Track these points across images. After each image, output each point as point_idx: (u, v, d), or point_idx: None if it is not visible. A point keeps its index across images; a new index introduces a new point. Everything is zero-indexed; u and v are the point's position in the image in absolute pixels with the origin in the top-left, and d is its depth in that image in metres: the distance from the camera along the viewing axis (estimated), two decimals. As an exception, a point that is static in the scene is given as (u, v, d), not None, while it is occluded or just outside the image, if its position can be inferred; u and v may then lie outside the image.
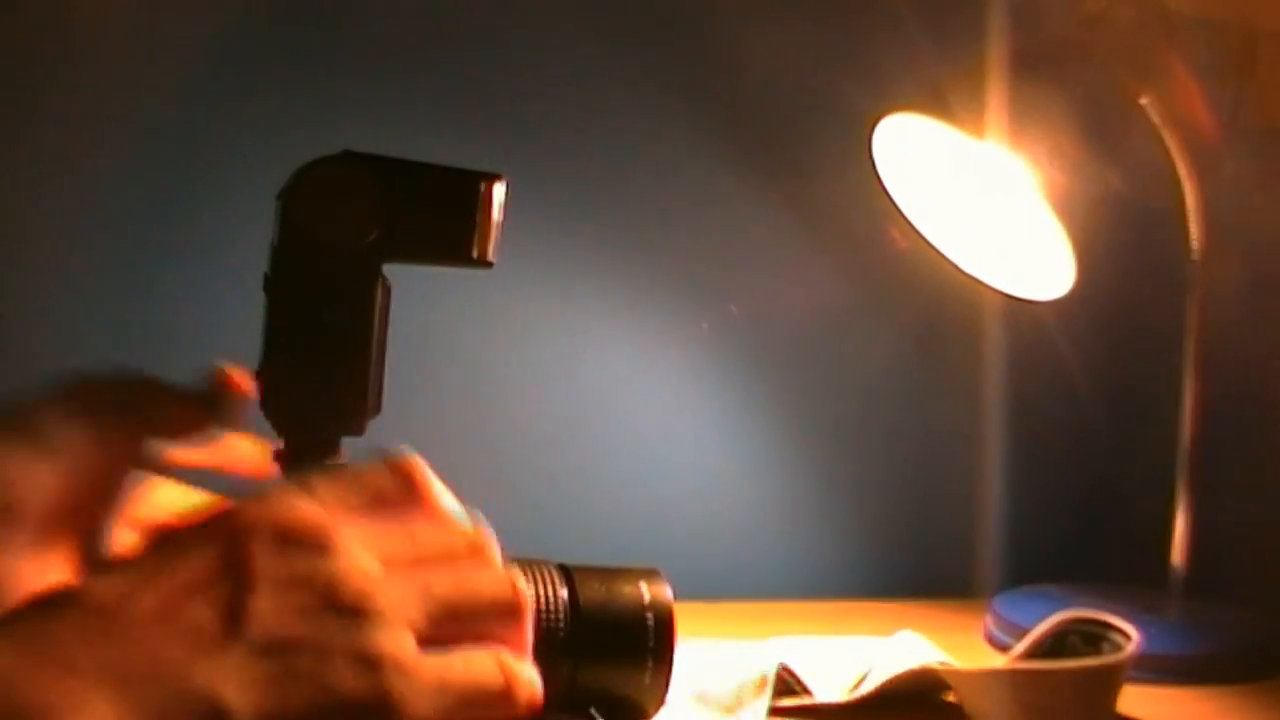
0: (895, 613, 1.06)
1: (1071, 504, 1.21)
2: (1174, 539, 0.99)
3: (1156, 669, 0.90)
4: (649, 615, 0.57)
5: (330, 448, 0.52)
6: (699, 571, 1.00)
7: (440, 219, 0.52)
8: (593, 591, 0.56)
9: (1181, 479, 0.98)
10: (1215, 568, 1.00)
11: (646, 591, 0.57)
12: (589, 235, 1.10)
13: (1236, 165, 1.03)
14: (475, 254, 0.52)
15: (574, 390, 1.09)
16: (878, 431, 1.17)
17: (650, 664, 0.56)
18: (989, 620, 1.02)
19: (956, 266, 0.98)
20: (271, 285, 0.51)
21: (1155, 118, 0.93)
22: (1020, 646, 0.82)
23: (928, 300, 1.12)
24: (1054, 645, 0.81)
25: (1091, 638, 0.80)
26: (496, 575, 0.44)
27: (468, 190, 0.52)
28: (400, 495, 0.44)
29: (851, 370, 1.16)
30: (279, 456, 0.52)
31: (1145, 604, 0.99)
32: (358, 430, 0.52)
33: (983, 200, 0.96)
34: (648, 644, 0.56)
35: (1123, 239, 1.05)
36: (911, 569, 1.15)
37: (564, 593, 0.55)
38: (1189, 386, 0.98)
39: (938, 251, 0.98)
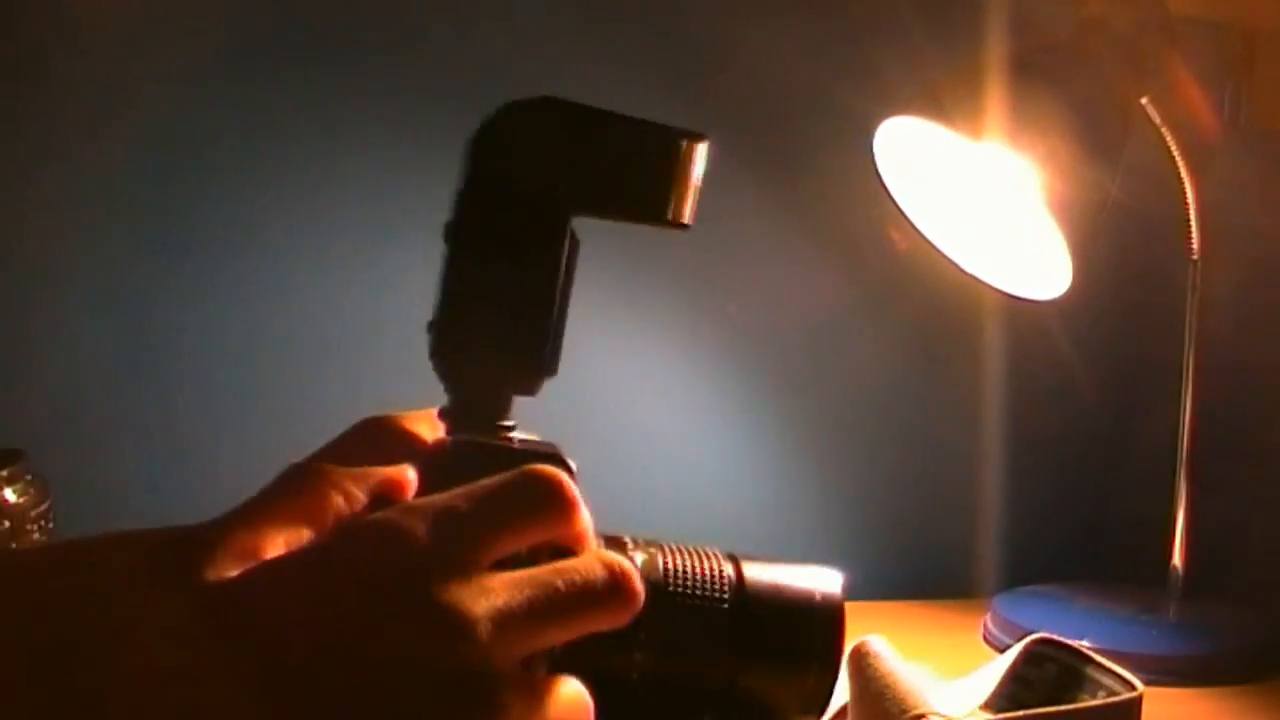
0: (895, 613, 1.06)
1: (1071, 504, 1.21)
2: (1173, 539, 0.99)
3: (1156, 669, 0.91)
4: (819, 606, 0.52)
5: (501, 407, 0.49)
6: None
7: (636, 172, 0.50)
8: (760, 572, 0.52)
9: (1181, 479, 0.99)
10: (1215, 568, 1.00)
11: (817, 585, 0.53)
12: (588, 236, 1.10)
13: (1236, 166, 1.03)
14: (670, 214, 0.50)
15: (573, 390, 1.09)
16: (877, 431, 1.17)
17: (816, 662, 0.52)
18: (988, 620, 1.02)
19: (956, 266, 0.98)
20: (454, 232, 0.48)
21: (1154, 118, 0.93)
22: (994, 681, 0.80)
23: (928, 300, 1.12)
24: (1020, 674, 0.79)
25: (1071, 671, 0.78)
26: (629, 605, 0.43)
27: (668, 146, 0.50)
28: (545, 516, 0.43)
29: (851, 370, 1.16)
30: (444, 414, 0.49)
31: (1145, 604, 0.99)
32: (531, 390, 0.49)
33: (982, 201, 0.96)
34: (815, 638, 0.52)
35: (1122, 239, 1.05)
36: (911, 569, 1.15)
37: (729, 569, 0.51)
38: (1188, 387, 0.98)
39: (938, 251, 0.98)
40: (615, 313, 1.11)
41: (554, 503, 0.43)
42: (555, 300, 0.49)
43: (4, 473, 0.79)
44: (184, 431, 0.99)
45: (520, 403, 0.52)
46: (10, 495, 0.79)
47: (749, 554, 0.53)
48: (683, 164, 0.50)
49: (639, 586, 0.43)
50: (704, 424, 1.13)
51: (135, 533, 0.40)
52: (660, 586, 0.48)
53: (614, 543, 0.48)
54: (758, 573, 0.52)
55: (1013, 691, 0.78)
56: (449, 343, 0.48)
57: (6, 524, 0.78)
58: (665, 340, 1.11)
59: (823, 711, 0.52)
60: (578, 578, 0.42)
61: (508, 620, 0.39)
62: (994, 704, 0.78)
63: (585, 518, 0.44)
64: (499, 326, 0.49)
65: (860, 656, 0.76)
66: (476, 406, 0.49)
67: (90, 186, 0.99)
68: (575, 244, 0.50)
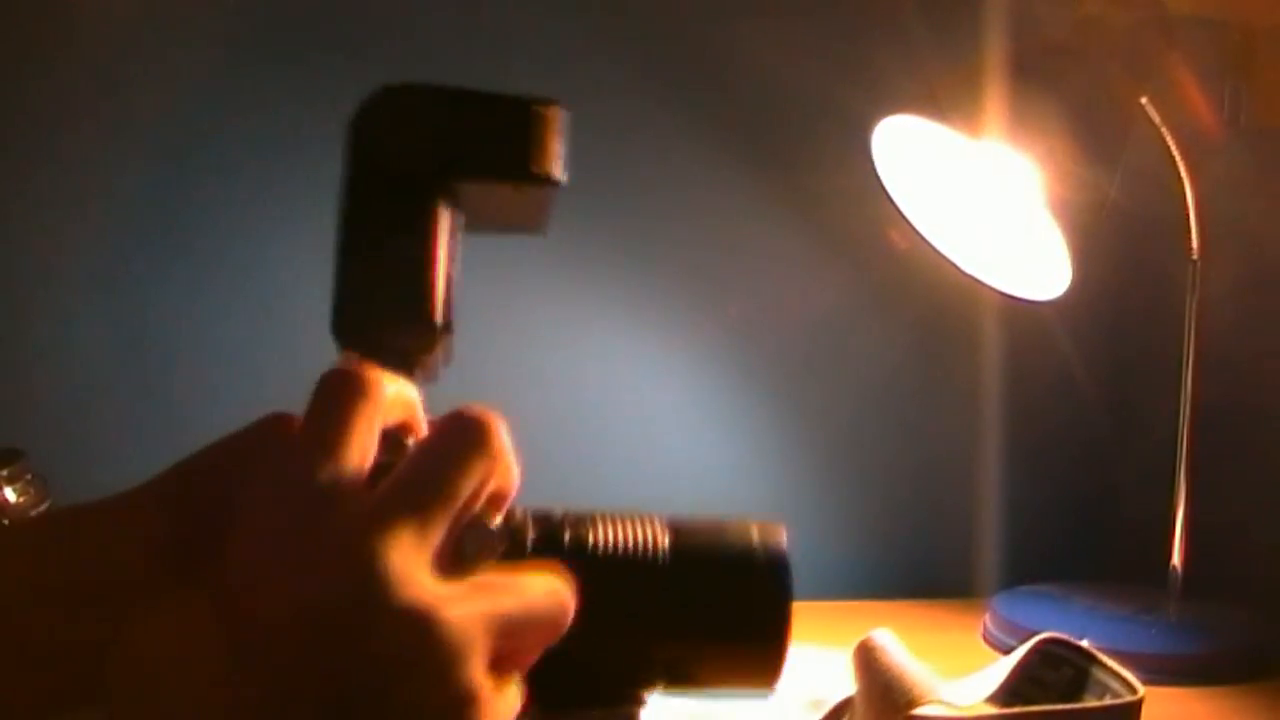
0: (895, 612, 1.06)
1: (1071, 504, 1.21)
2: (1173, 539, 0.99)
3: (1156, 669, 0.91)
4: (760, 558, 0.52)
5: (405, 367, 0.51)
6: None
7: (498, 137, 0.53)
8: (698, 531, 0.52)
9: (1180, 479, 0.99)
10: (1215, 568, 1.00)
11: (760, 538, 0.53)
12: (589, 236, 1.10)
13: (1235, 165, 1.03)
14: (536, 169, 0.53)
15: (574, 390, 1.09)
16: (877, 431, 1.17)
17: (763, 618, 0.51)
18: (988, 620, 1.02)
19: (956, 266, 0.98)
20: (341, 213, 0.52)
21: (1154, 118, 0.93)
22: (1000, 676, 0.80)
23: (928, 300, 1.12)
24: (1035, 674, 0.79)
25: (1080, 673, 0.78)
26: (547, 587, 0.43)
27: (523, 110, 0.54)
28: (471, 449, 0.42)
29: (851, 370, 1.16)
30: None
31: (1144, 604, 0.99)
32: (428, 346, 0.52)
33: (982, 200, 0.96)
34: (759, 591, 0.51)
35: (1122, 240, 1.05)
36: (911, 569, 1.15)
37: (664, 533, 0.52)
38: (1188, 387, 0.98)
39: (938, 251, 0.98)
40: (615, 313, 1.11)
41: (487, 443, 0.43)
42: (437, 259, 0.52)
43: (4, 473, 0.79)
44: (184, 431, 0.99)
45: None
46: (10, 495, 0.79)
47: (689, 516, 0.53)
48: (539, 123, 0.53)
49: (570, 606, 0.43)
50: (704, 424, 1.13)
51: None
52: (592, 559, 0.48)
53: (542, 517, 0.49)
54: (695, 531, 0.52)
55: (1025, 691, 0.78)
56: (344, 314, 0.51)
57: (6, 524, 0.78)
58: (665, 340, 1.11)
59: (777, 674, 0.51)
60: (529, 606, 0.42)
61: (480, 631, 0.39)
62: (1000, 698, 0.78)
63: (511, 458, 0.44)
64: (385, 289, 0.51)
65: (867, 651, 0.76)
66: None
67: (90, 187, 0.99)
68: (456, 214, 0.53)
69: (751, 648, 0.51)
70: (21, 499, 0.79)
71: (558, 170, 0.54)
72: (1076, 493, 1.21)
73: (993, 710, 0.77)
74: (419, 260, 0.52)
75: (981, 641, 1.00)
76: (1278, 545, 1.03)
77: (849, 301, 1.15)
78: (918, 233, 0.99)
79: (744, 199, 1.12)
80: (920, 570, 1.15)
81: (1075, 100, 0.88)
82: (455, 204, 0.53)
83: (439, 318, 0.52)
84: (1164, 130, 0.93)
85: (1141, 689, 0.74)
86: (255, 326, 1.02)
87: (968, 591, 1.10)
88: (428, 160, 0.52)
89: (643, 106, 1.10)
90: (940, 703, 0.72)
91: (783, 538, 0.54)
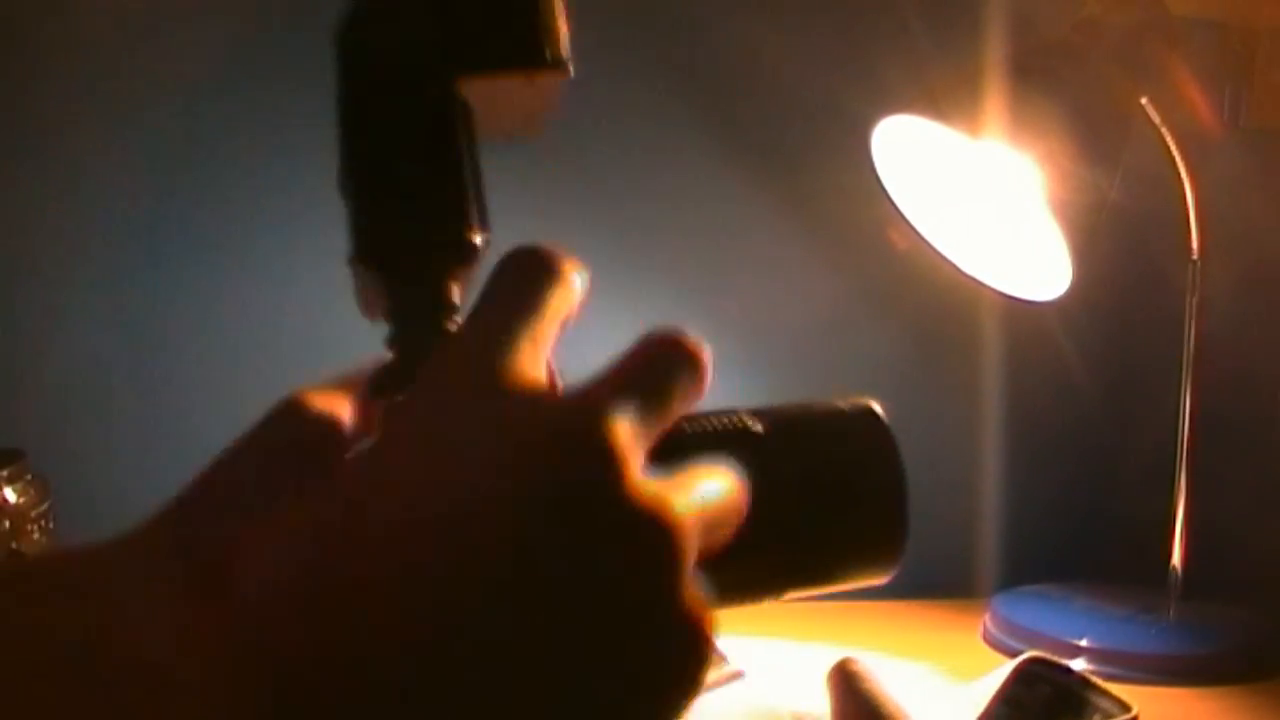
0: (895, 613, 1.06)
1: (1071, 504, 1.21)
2: (1173, 539, 0.99)
3: (1156, 669, 0.91)
4: (851, 410, 0.50)
5: (444, 293, 0.48)
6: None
7: (503, 23, 0.49)
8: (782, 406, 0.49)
9: (1180, 479, 0.99)
10: (1215, 568, 1.00)
11: (846, 401, 0.51)
12: (589, 236, 1.10)
13: (1235, 166, 1.03)
14: (548, 55, 0.49)
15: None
16: (877, 431, 1.17)
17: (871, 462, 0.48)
18: (988, 620, 1.02)
19: (956, 266, 0.98)
20: (343, 134, 0.47)
21: (1154, 118, 0.93)
22: (983, 701, 0.78)
23: (928, 300, 1.12)
24: (1012, 696, 0.78)
25: (1065, 693, 0.77)
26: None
27: None
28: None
29: (851, 370, 1.16)
30: (386, 347, 0.48)
31: (1145, 604, 0.99)
32: (470, 256, 0.47)
33: (982, 200, 0.96)
34: (856, 442, 0.48)
35: (1122, 240, 1.05)
36: (910, 569, 1.15)
37: (746, 413, 0.49)
38: (1187, 386, 0.98)
39: (938, 251, 0.98)
40: (615, 312, 1.11)
41: (696, 365, 0.40)
42: (462, 156, 0.48)
43: (4, 473, 0.79)
44: (184, 431, 0.99)
45: None
46: (10, 495, 0.79)
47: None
48: (544, 7, 0.50)
49: (744, 502, 0.39)
50: (704, 424, 1.13)
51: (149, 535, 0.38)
52: (679, 434, 0.43)
53: None
54: (782, 410, 0.50)
55: (1004, 713, 0.78)
56: (369, 242, 0.47)
57: (6, 524, 0.78)
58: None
59: (902, 531, 0.48)
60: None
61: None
62: None
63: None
64: (413, 203, 0.48)
65: (845, 676, 0.75)
66: (419, 296, 0.48)
67: (91, 188, 0.99)
68: (467, 110, 0.48)
69: (866, 504, 0.48)
70: (21, 499, 0.79)
71: (567, 55, 0.50)
72: (1076, 493, 1.21)
73: None
74: (446, 169, 0.47)
75: (981, 641, 1.00)
76: (1278, 545, 1.03)
77: (849, 301, 1.15)
78: (918, 233, 0.99)
79: (744, 199, 1.12)
80: (920, 570, 1.15)
81: (1075, 101, 0.88)
82: (466, 105, 0.48)
83: (477, 235, 0.47)
84: (1164, 130, 0.93)
85: (1135, 707, 0.74)
86: (256, 326, 1.02)
87: (968, 591, 1.10)
88: (432, 59, 0.48)
89: (643, 106, 1.10)
90: None
91: (872, 403, 0.51)
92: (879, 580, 0.49)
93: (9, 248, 0.98)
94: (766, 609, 0.47)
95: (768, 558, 0.45)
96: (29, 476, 0.81)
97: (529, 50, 0.49)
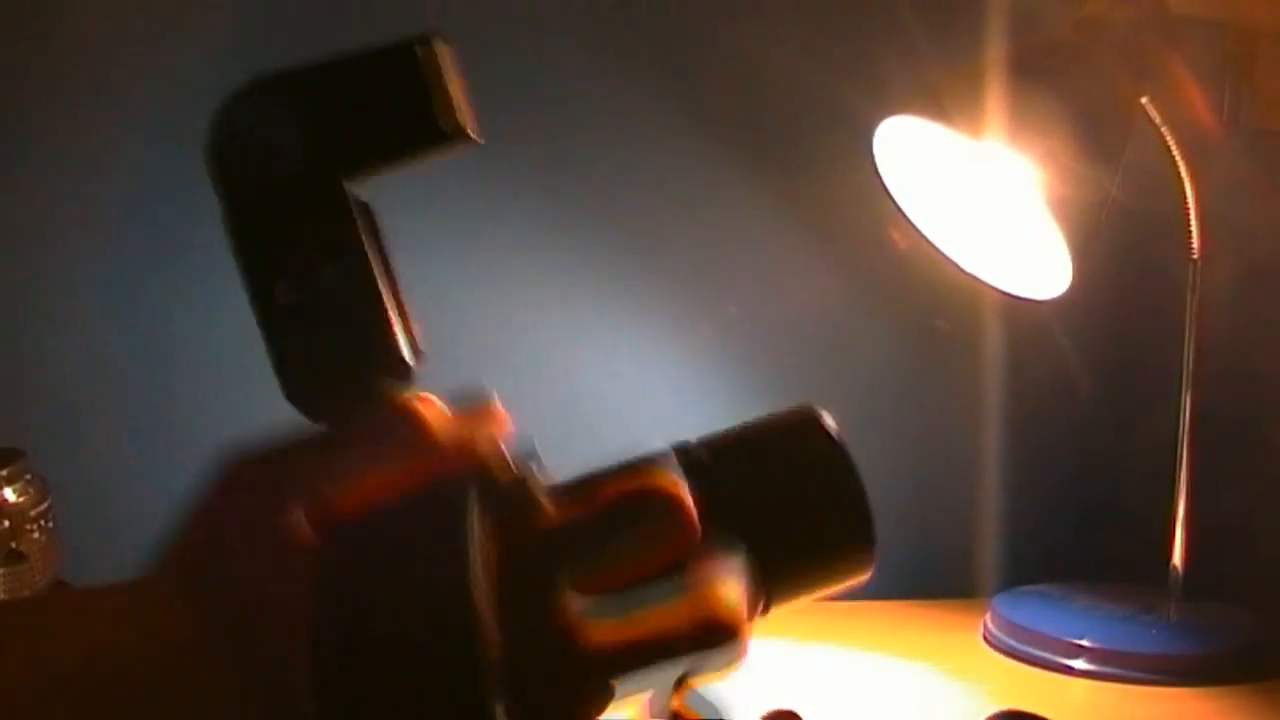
0: (895, 612, 1.06)
1: (1071, 504, 1.21)
2: (1173, 539, 0.99)
3: (1156, 669, 0.91)
4: (791, 415, 0.48)
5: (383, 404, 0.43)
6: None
7: (381, 104, 0.42)
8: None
9: (1180, 479, 0.99)
10: (1215, 568, 1.00)
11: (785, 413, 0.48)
12: (589, 236, 1.10)
13: (1236, 166, 1.03)
14: (444, 128, 0.42)
15: (574, 390, 1.09)
16: (877, 431, 1.17)
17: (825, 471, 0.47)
18: (988, 620, 1.02)
19: (956, 266, 0.98)
20: (239, 256, 0.43)
21: (1154, 118, 0.93)
22: None
23: (928, 300, 1.12)
24: None
25: None
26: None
27: (400, 62, 0.43)
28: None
29: (851, 370, 1.16)
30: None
31: (1145, 604, 0.99)
32: (404, 375, 0.42)
33: (982, 200, 0.96)
34: (819, 453, 0.47)
35: (1122, 239, 1.05)
36: (911, 569, 1.15)
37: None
38: (1188, 386, 0.98)
39: (938, 251, 0.98)
40: (614, 312, 1.11)
41: (677, 525, 0.40)
42: (375, 282, 0.42)
43: (4, 472, 0.79)
44: (184, 431, 0.99)
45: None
46: (10, 495, 0.79)
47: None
48: (430, 72, 0.43)
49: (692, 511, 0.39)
50: (703, 424, 1.13)
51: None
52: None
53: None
54: (723, 431, 0.48)
55: None
56: (292, 372, 0.42)
57: (6, 523, 0.78)
58: (665, 340, 1.11)
59: (867, 529, 0.47)
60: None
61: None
62: None
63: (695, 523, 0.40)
64: (336, 339, 0.42)
65: None
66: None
67: (91, 187, 0.99)
68: (367, 211, 0.43)
69: (825, 513, 0.47)
70: (21, 499, 0.79)
71: (470, 123, 0.43)
72: (1076, 493, 1.21)
73: None
74: (361, 289, 0.42)
75: (981, 641, 1.00)
76: (1278, 545, 1.03)
77: (849, 301, 1.15)
78: (918, 232, 0.99)
79: (744, 198, 1.12)
80: (920, 570, 1.15)
81: (1076, 100, 0.88)
82: (363, 204, 0.42)
83: (407, 355, 0.42)
84: (1164, 130, 0.93)
85: None
86: (256, 327, 1.01)
87: (968, 591, 1.10)
88: (316, 160, 0.42)
89: (643, 106, 1.10)
90: None
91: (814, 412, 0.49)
92: (859, 579, 0.48)
93: (9, 248, 0.98)
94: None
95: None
96: (29, 476, 0.81)
97: (424, 129, 0.42)
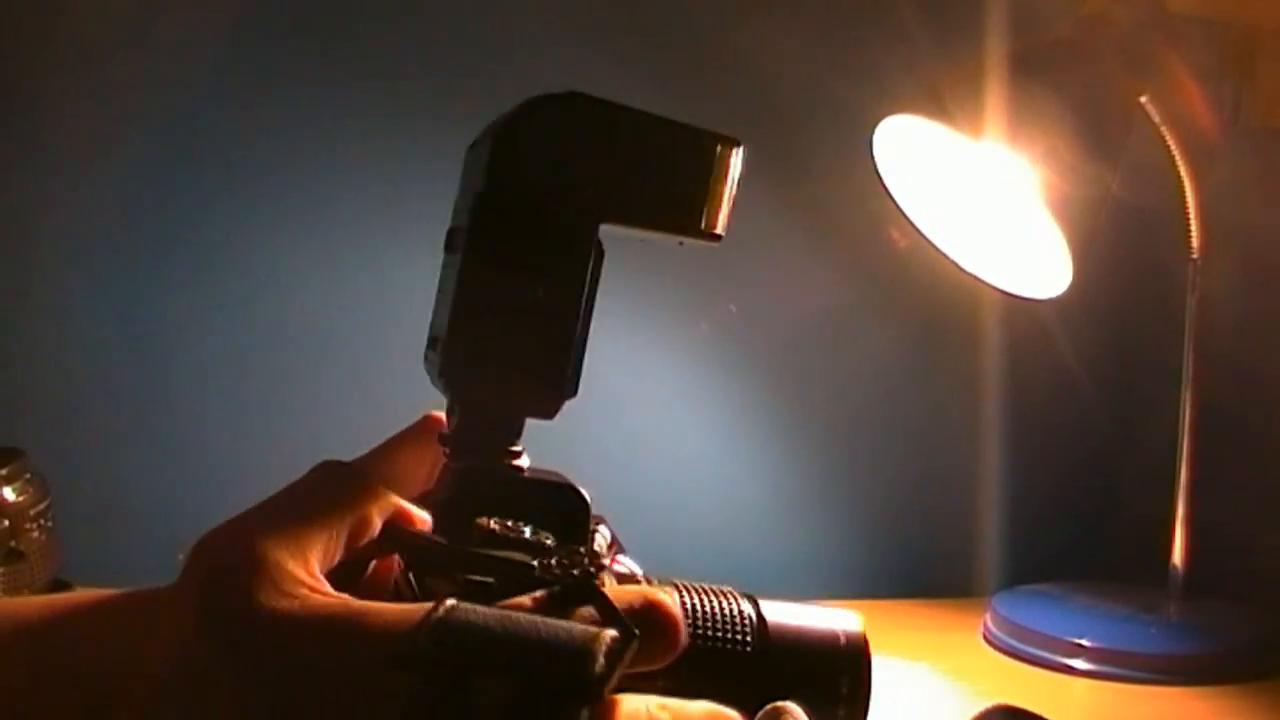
0: (895, 612, 1.06)
1: (1071, 504, 1.21)
2: (1173, 539, 0.99)
3: (1156, 669, 0.91)
4: (843, 643, 0.48)
5: (513, 431, 0.46)
6: (698, 572, 1.00)
7: (670, 179, 0.46)
8: (779, 612, 0.48)
9: (1180, 479, 0.99)
10: (1215, 567, 1.00)
11: (839, 624, 0.50)
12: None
13: (1236, 165, 1.03)
14: (704, 224, 0.46)
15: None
16: (877, 431, 1.17)
17: (844, 706, 0.48)
18: (988, 620, 1.02)
19: (956, 266, 0.98)
20: (470, 240, 0.44)
21: (1154, 117, 0.93)
22: None
23: (928, 299, 1.12)
24: None
25: None
26: None
27: (705, 151, 0.47)
28: None
29: (851, 370, 1.16)
30: (447, 439, 0.46)
31: (1145, 604, 0.99)
32: (548, 413, 0.45)
33: (982, 200, 0.96)
34: (841, 680, 0.48)
35: (1122, 238, 1.05)
36: (911, 569, 1.15)
37: (749, 610, 0.47)
38: (1188, 386, 0.98)
39: (938, 251, 0.98)
40: (613, 312, 1.10)
41: (670, 645, 0.40)
42: (579, 316, 0.45)
43: (4, 471, 0.79)
44: (183, 431, 0.99)
45: None
46: (10, 494, 0.79)
47: (765, 596, 0.50)
48: (719, 171, 0.47)
49: (682, 629, 0.40)
50: (703, 423, 1.13)
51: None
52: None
53: (627, 580, 0.46)
54: (779, 614, 0.48)
55: None
56: (460, 362, 0.44)
57: (6, 523, 0.78)
58: (665, 339, 1.11)
59: None
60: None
61: None
62: None
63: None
64: (517, 345, 0.45)
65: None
66: (487, 430, 0.46)
67: (90, 187, 0.99)
68: (601, 254, 0.46)
69: None
70: (21, 498, 0.79)
71: (724, 225, 0.47)
72: (1077, 493, 1.21)
73: None
74: (566, 315, 0.45)
75: (981, 641, 1.00)
76: (1278, 545, 1.03)
77: (849, 301, 1.15)
78: (918, 232, 0.99)
79: (744, 198, 1.12)
80: (920, 570, 1.15)
81: (1076, 99, 0.88)
82: (600, 248, 0.46)
83: (569, 392, 0.45)
84: (1164, 129, 0.93)
85: None
86: (256, 326, 1.02)
87: (968, 591, 1.10)
88: (588, 192, 0.45)
89: (642, 106, 1.10)
90: None
91: (861, 629, 0.50)
92: None
93: (9, 248, 0.97)
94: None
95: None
96: (29, 475, 0.81)
97: (689, 217, 0.46)
